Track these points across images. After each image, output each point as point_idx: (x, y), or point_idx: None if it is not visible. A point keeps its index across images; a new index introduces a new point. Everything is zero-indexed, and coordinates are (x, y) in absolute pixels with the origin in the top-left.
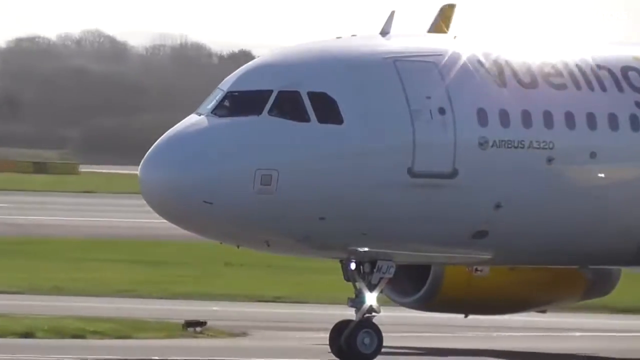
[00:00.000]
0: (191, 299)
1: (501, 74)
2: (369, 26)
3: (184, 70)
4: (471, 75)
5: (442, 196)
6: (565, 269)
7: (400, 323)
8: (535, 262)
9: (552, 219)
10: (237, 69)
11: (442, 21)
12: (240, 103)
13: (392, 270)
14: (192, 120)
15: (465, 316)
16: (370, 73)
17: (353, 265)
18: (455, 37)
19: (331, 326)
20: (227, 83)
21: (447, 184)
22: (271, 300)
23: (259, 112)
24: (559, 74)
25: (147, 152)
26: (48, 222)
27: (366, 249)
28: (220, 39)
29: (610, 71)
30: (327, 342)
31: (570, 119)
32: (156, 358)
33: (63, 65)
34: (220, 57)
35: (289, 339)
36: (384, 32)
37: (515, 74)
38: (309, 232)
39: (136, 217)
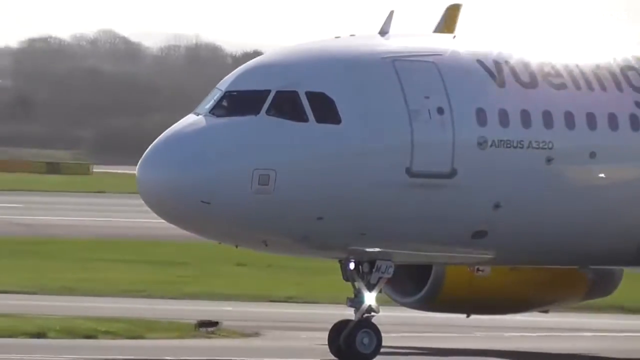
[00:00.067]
0: (201, 299)
1: (500, 74)
2: (369, 26)
3: (197, 71)
4: (470, 75)
5: (441, 196)
6: (567, 269)
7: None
8: (535, 262)
9: (552, 219)
10: None
11: (447, 21)
12: (238, 103)
13: (391, 270)
14: (190, 120)
15: (467, 316)
16: (368, 73)
17: (352, 265)
18: (454, 36)
19: None
20: (225, 83)
21: (445, 184)
22: (283, 300)
23: (256, 112)
24: (558, 73)
25: (145, 152)
26: (59, 223)
27: (365, 248)
28: (233, 40)
29: (610, 71)
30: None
31: (569, 119)
32: (169, 358)
33: (76, 65)
34: (234, 58)
35: (301, 339)
36: (383, 32)
37: (514, 73)
38: (307, 232)
39: (146, 218)
